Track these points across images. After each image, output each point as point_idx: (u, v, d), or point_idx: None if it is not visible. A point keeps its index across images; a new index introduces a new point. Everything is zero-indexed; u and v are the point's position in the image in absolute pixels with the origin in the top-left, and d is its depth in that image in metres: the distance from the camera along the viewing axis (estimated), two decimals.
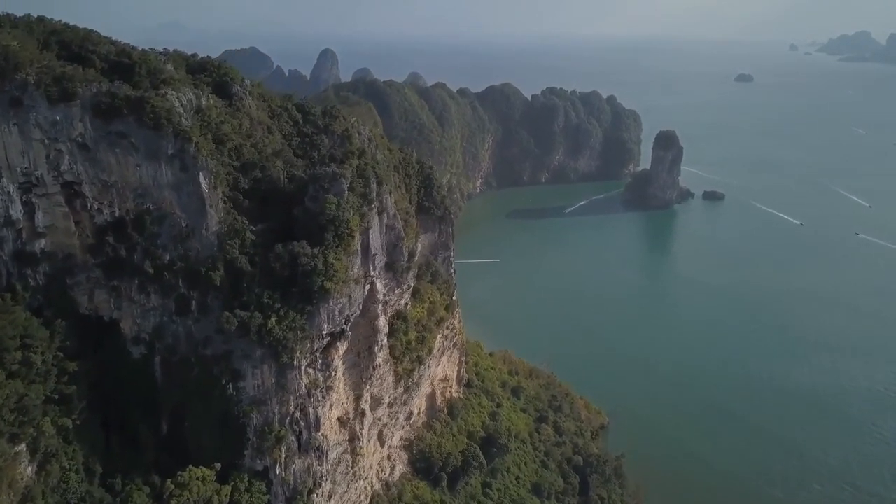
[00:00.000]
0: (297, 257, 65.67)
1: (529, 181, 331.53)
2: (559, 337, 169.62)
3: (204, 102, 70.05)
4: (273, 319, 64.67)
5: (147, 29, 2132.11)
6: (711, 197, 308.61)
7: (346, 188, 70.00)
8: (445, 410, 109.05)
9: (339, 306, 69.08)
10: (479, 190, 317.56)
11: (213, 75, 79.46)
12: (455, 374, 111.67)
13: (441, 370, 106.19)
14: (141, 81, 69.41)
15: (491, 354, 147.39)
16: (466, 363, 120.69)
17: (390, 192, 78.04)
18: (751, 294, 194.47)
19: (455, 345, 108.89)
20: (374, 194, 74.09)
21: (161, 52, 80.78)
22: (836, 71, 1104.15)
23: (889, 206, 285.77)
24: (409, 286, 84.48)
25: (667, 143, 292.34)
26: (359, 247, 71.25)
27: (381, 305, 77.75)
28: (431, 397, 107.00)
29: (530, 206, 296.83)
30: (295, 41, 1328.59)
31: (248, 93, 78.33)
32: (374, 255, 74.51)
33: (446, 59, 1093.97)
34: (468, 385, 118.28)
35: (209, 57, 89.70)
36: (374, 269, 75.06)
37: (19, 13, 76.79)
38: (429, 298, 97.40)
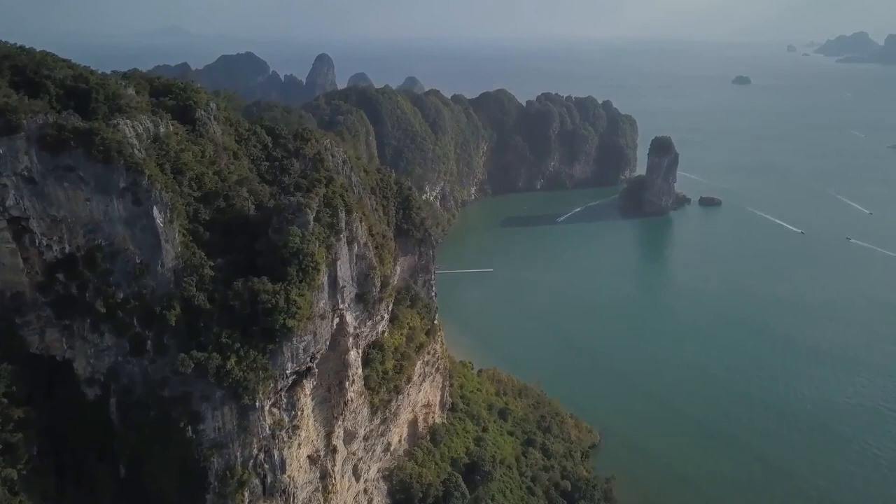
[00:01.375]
0: (258, 294, 62.46)
1: (525, 188, 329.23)
2: (551, 350, 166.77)
3: (163, 130, 66.84)
4: (233, 360, 61.40)
5: (148, 33, 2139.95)
6: (708, 203, 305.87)
7: (310, 219, 66.72)
8: (428, 437, 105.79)
9: (303, 344, 65.83)
10: (473, 197, 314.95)
11: (177, 98, 76.43)
12: (438, 398, 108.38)
13: (423, 396, 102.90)
14: (98, 108, 66.45)
15: (480, 373, 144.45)
16: (451, 386, 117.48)
17: (361, 220, 74.76)
18: (745, 305, 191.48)
19: (437, 369, 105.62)
20: (343, 224, 70.82)
21: (123, 75, 77.81)
22: (835, 72, 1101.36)
23: (890, 212, 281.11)
24: (383, 317, 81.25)
25: (662, 149, 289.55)
26: (325, 280, 67.95)
27: (351, 339, 74.47)
28: (413, 424, 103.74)
29: (525, 213, 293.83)
30: (293, 46, 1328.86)
31: (213, 117, 75.11)
32: (343, 287, 71.23)
33: (444, 63, 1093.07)
34: (452, 409, 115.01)
35: (179, 77, 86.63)
36: (343, 302, 71.81)
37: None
38: (408, 324, 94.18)
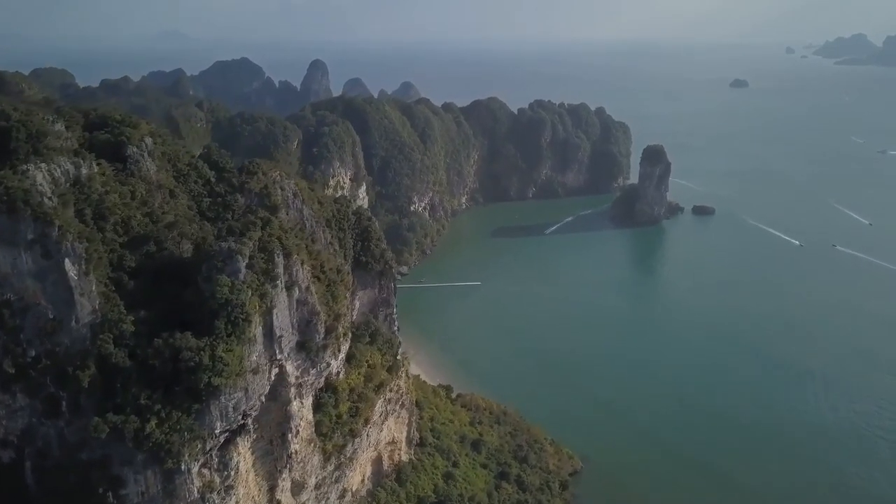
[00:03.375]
0: (179, 352, 58.13)
1: (516, 196, 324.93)
2: (535, 370, 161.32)
3: (84, 172, 62.59)
4: (153, 422, 57.07)
5: (148, 37, 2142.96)
6: (701, 212, 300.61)
7: (242, 267, 62.35)
8: (394, 476, 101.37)
9: (232, 402, 61.42)
10: (464, 206, 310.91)
11: (112, 133, 72.18)
12: (404, 435, 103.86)
13: (387, 434, 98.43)
14: (19, 147, 62.35)
15: (457, 398, 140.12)
16: (421, 419, 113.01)
17: (302, 263, 70.44)
18: (737, 322, 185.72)
19: (402, 405, 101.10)
20: (280, 269, 66.42)
21: (56, 109, 73.56)
22: (833, 74, 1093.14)
23: (890, 223, 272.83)
24: (329, 364, 76.85)
25: (654, 158, 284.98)
26: (258, 332, 63.54)
27: (293, 389, 70.09)
28: (377, 462, 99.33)
29: (516, 222, 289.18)
30: (291, 49, 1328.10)
31: (147, 153, 70.81)
32: (281, 336, 66.80)
33: (441, 67, 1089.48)
34: (421, 444, 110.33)
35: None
36: (282, 352, 67.41)
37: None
38: (367, 362, 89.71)
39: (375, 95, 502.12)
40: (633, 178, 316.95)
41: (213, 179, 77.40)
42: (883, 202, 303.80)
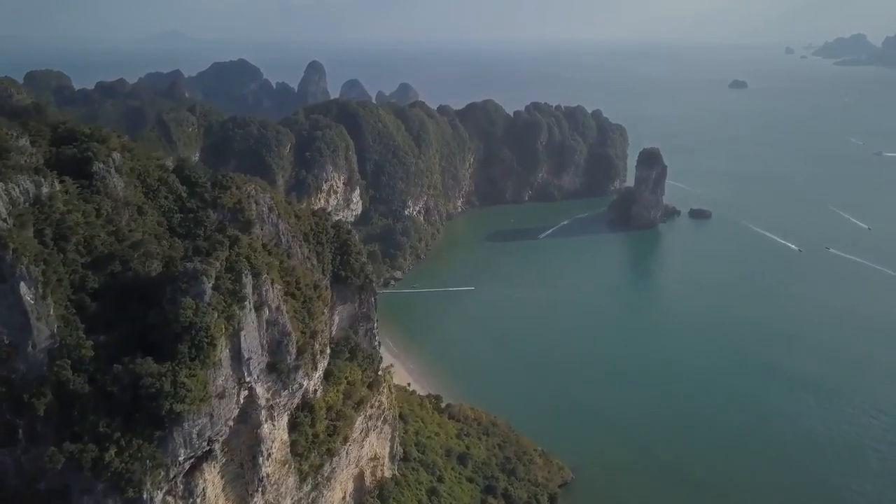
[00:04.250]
0: (139, 378, 56.20)
1: (512, 199, 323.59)
2: (528, 378, 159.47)
3: (45, 190, 60.70)
4: (112, 451, 55.13)
5: (149, 38, 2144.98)
6: (698, 215, 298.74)
7: (207, 288, 60.40)
8: (376, 493, 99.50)
9: (196, 428, 59.45)
10: (460, 210, 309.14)
11: (79, 148, 70.35)
12: (387, 450, 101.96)
13: (368, 449, 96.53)
14: None
15: (447, 407, 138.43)
16: (405, 433, 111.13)
17: (272, 282, 68.49)
18: (732, 326, 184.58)
19: (385, 420, 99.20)
20: (249, 289, 64.48)
21: (21, 122, 71.61)
22: (833, 75, 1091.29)
23: (890, 227, 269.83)
24: (301, 384, 74.89)
25: (650, 161, 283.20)
26: (223, 356, 61.53)
27: (264, 411, 68.20)
28: (359, 478, 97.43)
29: (512, 226, 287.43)
30: (290, 50, 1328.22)
31: (113, 169, 68.91)
32: (249, 359, 64.76)
33: (440, 67, 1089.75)
34: (405, 459, 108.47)
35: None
36: (251, 375, 65.41)
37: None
38: (346, 379, 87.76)
39: (373, 97, 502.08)
40: (630, 181, 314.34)
41: (184, 195, 75.58)
42: (882, 206, 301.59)
